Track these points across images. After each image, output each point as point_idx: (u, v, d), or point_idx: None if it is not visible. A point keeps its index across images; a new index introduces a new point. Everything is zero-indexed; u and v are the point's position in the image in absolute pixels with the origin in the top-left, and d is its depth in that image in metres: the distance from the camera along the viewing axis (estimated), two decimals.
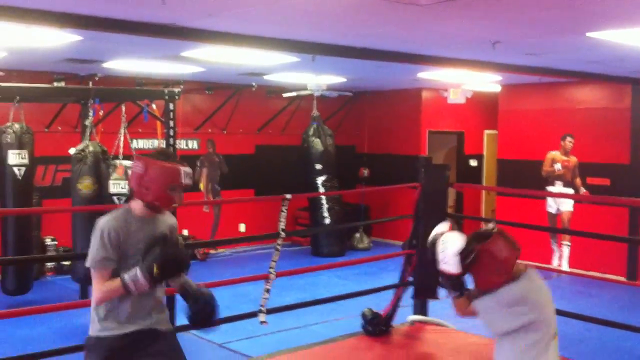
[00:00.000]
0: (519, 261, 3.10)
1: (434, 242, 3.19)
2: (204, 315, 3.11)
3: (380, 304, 6.19)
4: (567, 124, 9.63)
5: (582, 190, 9.16)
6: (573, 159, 9.26)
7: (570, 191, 9.17)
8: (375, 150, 12.32)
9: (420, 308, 6.08)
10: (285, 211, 4.89)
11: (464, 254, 3.05)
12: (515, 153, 10.37)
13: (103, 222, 2.90)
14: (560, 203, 9.26)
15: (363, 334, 5.79)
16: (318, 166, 10.48)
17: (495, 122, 10.89)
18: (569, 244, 9.19)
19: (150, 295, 2.99)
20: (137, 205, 2.98)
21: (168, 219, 3.11)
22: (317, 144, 10.50)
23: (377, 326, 5.77)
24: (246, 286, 6.27)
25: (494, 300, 3.04)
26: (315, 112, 10.66)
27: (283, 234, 4.89)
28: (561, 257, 9.26)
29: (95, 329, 2.95)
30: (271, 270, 4.86)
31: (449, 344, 5.70)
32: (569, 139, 9.27)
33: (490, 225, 3.13)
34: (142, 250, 2.87)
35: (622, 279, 8.90)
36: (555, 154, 9.35)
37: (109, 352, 2.92)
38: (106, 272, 2.87)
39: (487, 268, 3.02)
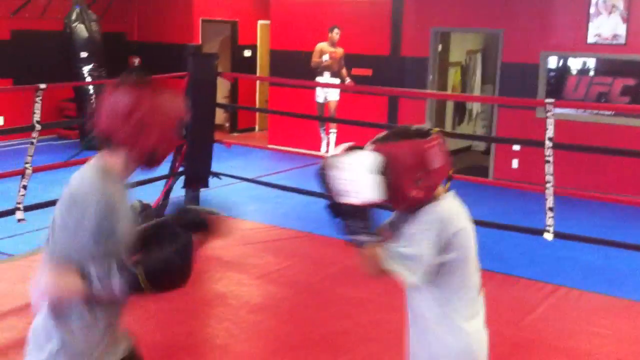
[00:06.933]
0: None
1: (326, 170, 2.11)
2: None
3: (151, 195, 6.18)
4: (335, 16, 9.95)
5: (348, 80, 9.65)
6: (339, 50, 9.65)
7: (337, 81, 9.62)
8: (147, 38, 11.81)
9: (192, 197, 6.17)
10: (39, 102, 4.58)
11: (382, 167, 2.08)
12: (287, 44, 10.55)
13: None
14: (327, 93, 9.70)
15: None
16: (83, 54, 9.82)
17: (268, 13, 10.93)
18: (335, 131, 9.74)
19: None
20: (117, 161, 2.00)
21: None
22: (81, 30, 9.79)
23: (148, 218, 5.76)
24: (5, 183, 5.90)
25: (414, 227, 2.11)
26: None
27: (38, 127, 4.59)
28: (329, 144, 9.81)
29: None
30: (27, 165, 4.59)
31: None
32: (336, 30, 9.60)
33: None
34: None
35: None
36: (323, 45, 9.67)
37: None
38: None
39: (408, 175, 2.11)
